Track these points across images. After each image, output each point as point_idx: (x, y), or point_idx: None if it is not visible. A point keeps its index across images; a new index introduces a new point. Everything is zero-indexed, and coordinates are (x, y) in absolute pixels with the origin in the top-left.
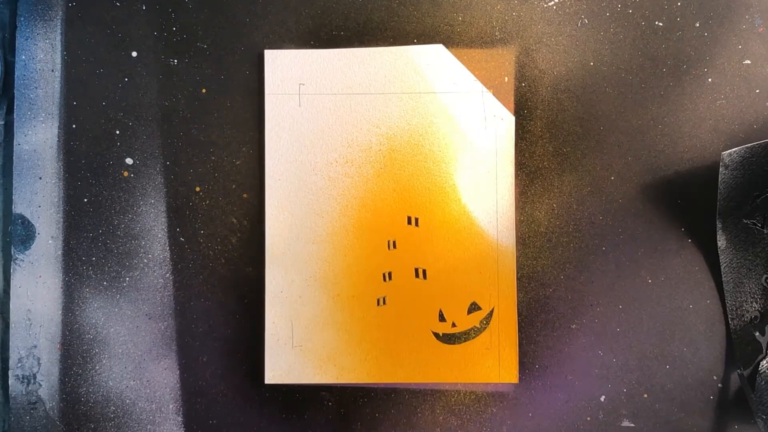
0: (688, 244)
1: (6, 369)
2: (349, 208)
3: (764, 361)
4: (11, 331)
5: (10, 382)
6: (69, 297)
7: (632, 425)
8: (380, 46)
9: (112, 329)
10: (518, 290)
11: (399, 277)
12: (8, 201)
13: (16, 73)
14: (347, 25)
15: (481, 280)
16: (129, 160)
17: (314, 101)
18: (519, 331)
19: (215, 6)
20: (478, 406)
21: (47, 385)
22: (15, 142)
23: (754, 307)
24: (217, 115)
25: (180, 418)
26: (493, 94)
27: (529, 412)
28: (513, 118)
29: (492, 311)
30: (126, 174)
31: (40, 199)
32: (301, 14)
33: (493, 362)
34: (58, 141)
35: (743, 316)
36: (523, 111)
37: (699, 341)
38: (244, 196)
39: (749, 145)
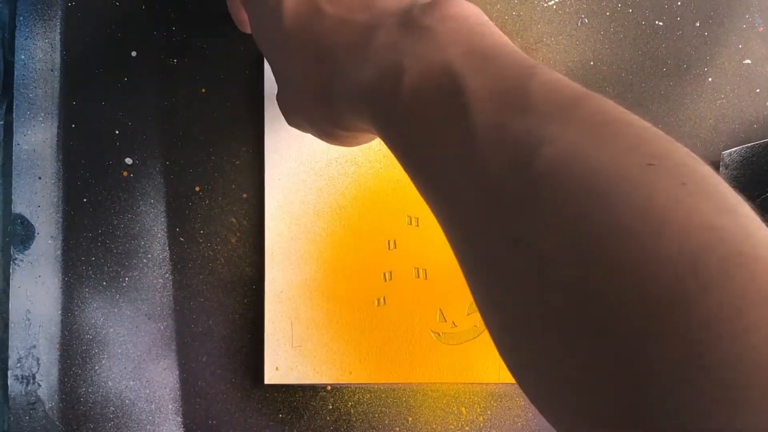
0: None
1: (5, 369)
2: (349, 207)
3: None
4: (10, 332)
5: (9, 382)
6: (68, 297)
7: None
8: None
9: (112, 329)
10: None
11: (399, 277)
12: (8, 201)
13: (15, 73)
14: None
15: None
16: (129, 160)
17: None
18: None
19: (215, 6)
20: (479, 406)
21: (46, 386)
22: (14, 142)
23: None
24: (217, 115)
25: (180, 419)
26: None
27: (529, 412)
28: None
29: None
30: (126, 174)
31: (39, 199)
32: None
33: (493, 362)
34: (58, 141)
35: None
36: None
37: None
38: (244, 196)
39: (750, 144)
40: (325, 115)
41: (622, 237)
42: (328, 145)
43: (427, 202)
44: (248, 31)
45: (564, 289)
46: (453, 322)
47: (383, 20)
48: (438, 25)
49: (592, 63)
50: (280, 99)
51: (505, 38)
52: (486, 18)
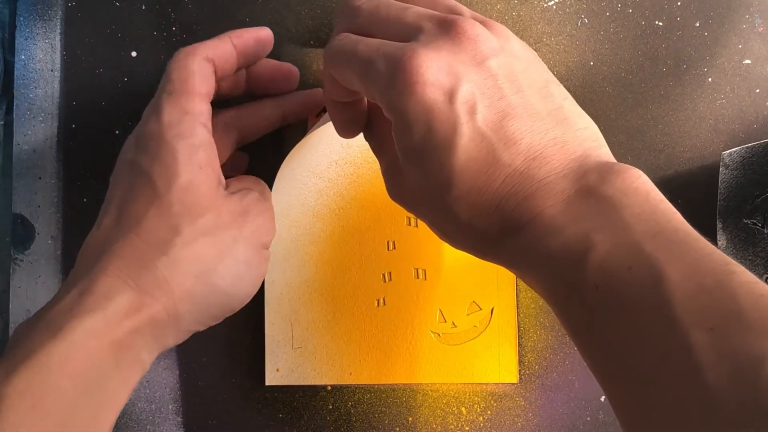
0: None
1: None
2: (348, 208)
3: None
4: (10, 332)
5: None
6: None
7: None
8: None
9: None
10: (518, 290)
11: (399, 277)
12: (8, 201)
13: (15, 73)
14: None
15: (481, 280)
16: None
17: None
18: (519, 331)
19: (215, 6)
20: (479, 406)
21: None
22: (14, 143)
23: None
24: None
25: (180, 419)
26: None
27: (529, 412)
28: None
29: (492, 311)
30: None
31: (39, 199)
32: (301, 14)
33: (493, 362)
34: (58, 141)
35: None
36: None
37: None
38: None
39: (749, 144)
40: (478, 249)
41: None
42: (328, 147)
43: (600, 376)
44: (350, 136)
45: None
46: (453, 323)
47: (557, 181)
48: (622, 198)
49: (592, 63)
50: (415, 208)
51: (680, 216)
52: (659, 192)
